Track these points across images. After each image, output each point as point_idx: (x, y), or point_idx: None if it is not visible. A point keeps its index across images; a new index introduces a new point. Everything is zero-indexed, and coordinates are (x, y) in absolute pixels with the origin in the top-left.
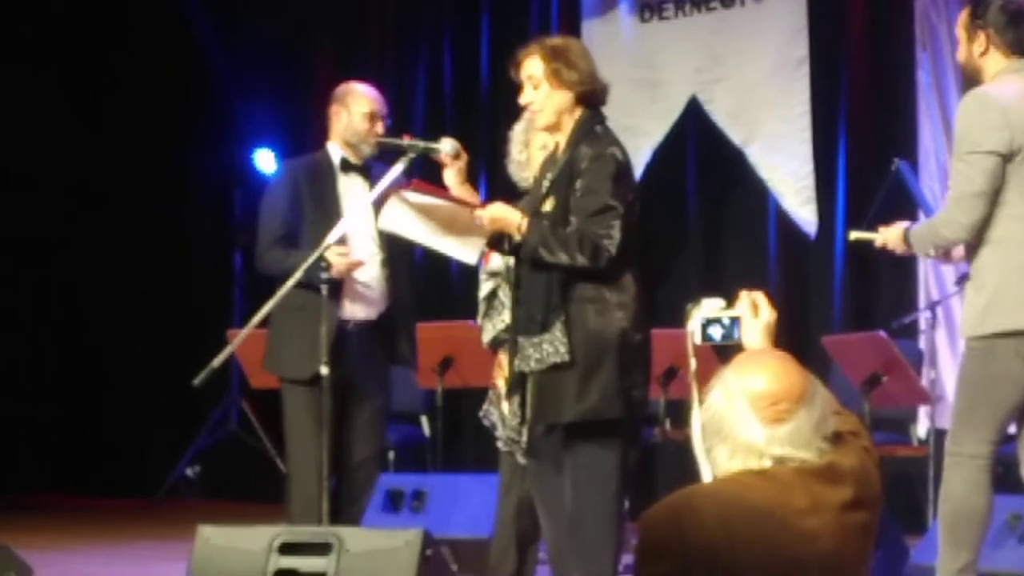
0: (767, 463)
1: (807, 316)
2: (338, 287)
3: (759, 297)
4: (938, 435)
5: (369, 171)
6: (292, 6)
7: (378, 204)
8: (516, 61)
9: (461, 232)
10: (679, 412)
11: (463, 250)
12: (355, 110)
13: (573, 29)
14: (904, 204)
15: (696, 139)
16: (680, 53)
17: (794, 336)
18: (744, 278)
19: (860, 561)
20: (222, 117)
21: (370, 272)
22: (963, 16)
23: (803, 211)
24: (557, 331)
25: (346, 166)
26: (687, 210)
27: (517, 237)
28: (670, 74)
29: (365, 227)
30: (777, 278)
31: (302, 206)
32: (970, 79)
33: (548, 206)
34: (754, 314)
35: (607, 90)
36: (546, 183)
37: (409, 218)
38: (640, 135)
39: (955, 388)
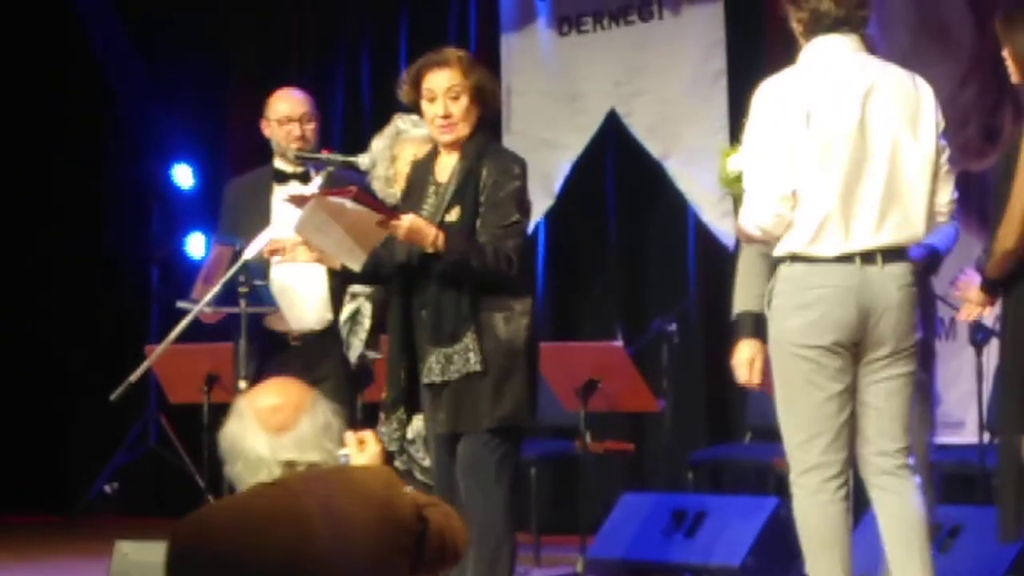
0: (277, 471)
1: (726, 328)
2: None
3: (366, 435)
4: None
5: (308, 176)
6: (209, 20)
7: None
8: (417, 74)
9: (359, 237)
10: (599, 425)
11: (353, 256)
12: (272, 118)
13: (491, 42)
14: None
15: (615, 152)
16: (599, 67)
17: (713, 349)
18: (664, 290)
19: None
20: (140, 131)
21: (313, 280)
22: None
23: (722, 224)
24: (468, 341)
25: (280, 176)
26: (607, 223)
27: (430, 249)
28: (589, 87)
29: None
30: (696, 290)
31: (241, 223)
32: None
33: (453, 216)
34: (360, 450)
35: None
36: (447, 194)
37: (323, 221)
38: (559, 148)
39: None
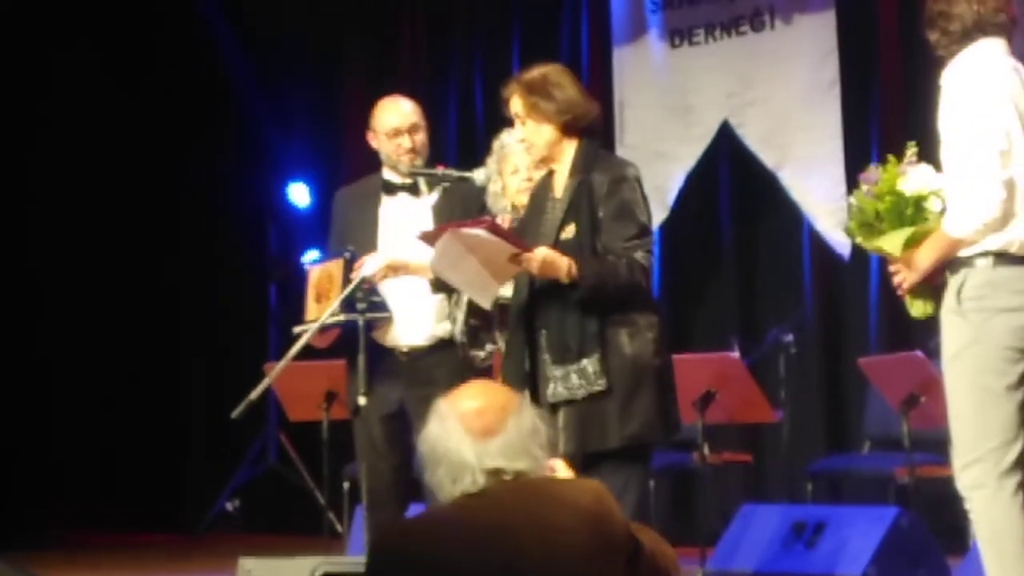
0: (482, 480)
1: (842, 338)
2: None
3: (556, 463)
4: None
5: (417, 188)
6: (323, 40)
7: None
8: (504, 98)
9: (494, 271)
10: (717, 436)
11: (485, 291)
12: (380, 131)
13: (603, 56)
14: None
15: (729, 163)
16: (711, 78)
17: (830, 359)
18: (779, 301)
19: None
20: (256, 151)
21: (419, 295)
22: None
23: (836, 233)
24: (594, 359)
25: (389, 188)
26: (721, 234)
27: (566, 280)
28: (702, 99)
29: (411, 248)
30: (812, 300)
31: (350, 234)
32: None
33: (569, 233)
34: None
35: (597, 112)
36: (558, 210)
37: (457, 255)
38: (673, 160)
39: None
